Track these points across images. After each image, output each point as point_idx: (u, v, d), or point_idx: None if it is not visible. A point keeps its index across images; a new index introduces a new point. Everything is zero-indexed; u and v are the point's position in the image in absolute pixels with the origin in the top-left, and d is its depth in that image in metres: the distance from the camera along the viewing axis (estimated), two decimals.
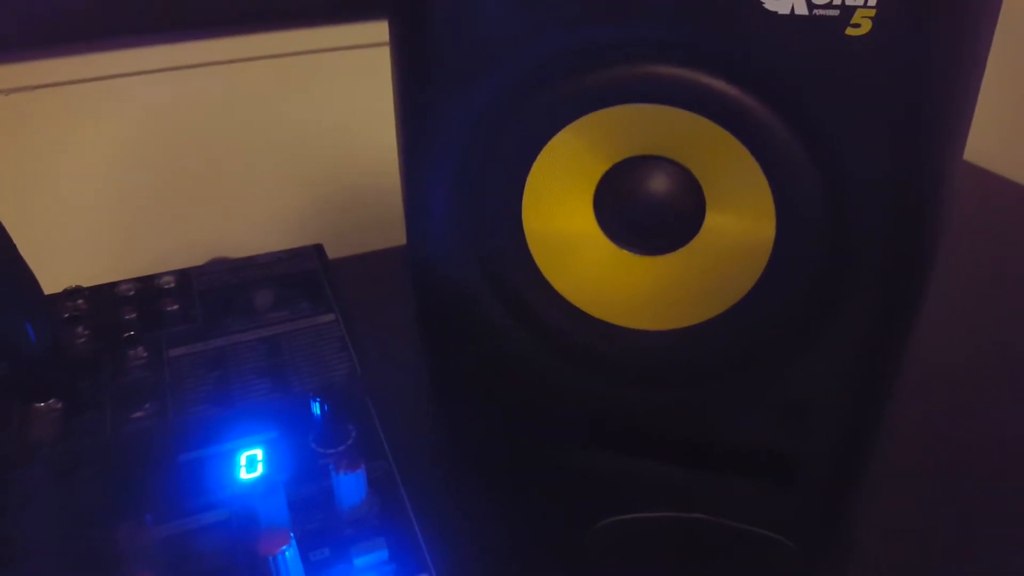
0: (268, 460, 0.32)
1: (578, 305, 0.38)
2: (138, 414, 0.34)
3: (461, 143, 0.37)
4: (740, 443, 0.39)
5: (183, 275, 0.42)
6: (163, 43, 0.60)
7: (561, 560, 0.38)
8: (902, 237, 0.33)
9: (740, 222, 0.34)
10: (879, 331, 0.36)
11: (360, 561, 0.28)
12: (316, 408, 0.33)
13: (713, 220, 0.35)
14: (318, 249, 0.45)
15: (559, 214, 0.37)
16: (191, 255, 0.60)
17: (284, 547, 0.26)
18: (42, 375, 0.34)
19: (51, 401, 0.34)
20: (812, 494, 0.41)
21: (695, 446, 0.40)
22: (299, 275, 0.43)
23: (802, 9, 0.28)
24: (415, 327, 0.42)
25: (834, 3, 0.28)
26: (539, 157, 0.36)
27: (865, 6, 0.28)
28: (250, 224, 0.67)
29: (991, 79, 0.34)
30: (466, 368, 0.42)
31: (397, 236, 0.44)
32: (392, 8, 0.36)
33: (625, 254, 0.37)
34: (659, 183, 0.36)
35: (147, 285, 0.41)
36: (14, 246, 0.33)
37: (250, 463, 0.32)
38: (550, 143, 0.36)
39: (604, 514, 0.39)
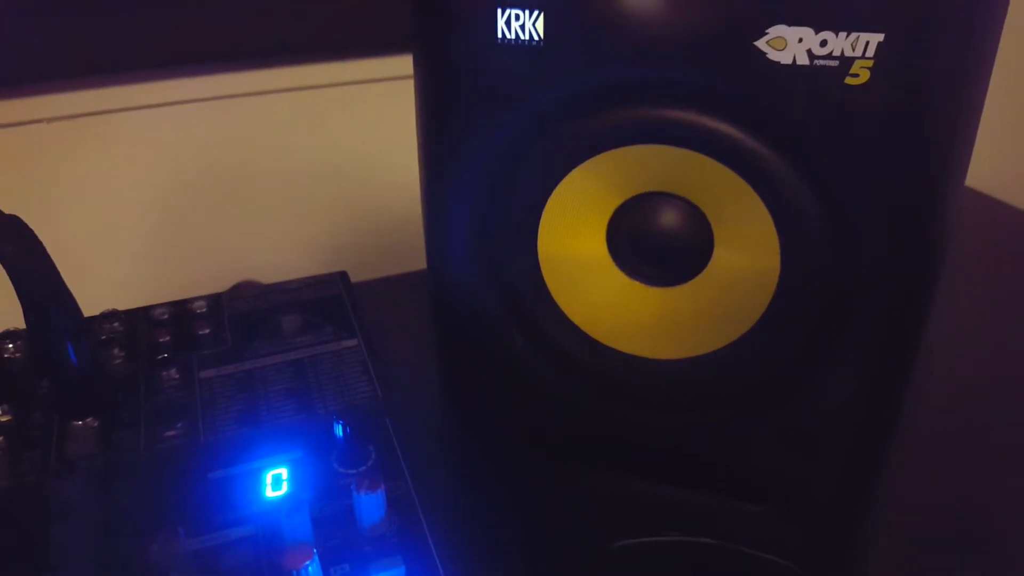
0: (293, 479, 0.34)
1: (590, 333, 0.40)
2: (170, 432, 0.36)
3: (481, 176, 0.38)
4: (747, 469, 0.41)
5: (214, 300, 0.44)
6: (196, 75, 0.62)
7: None
8: (904, 271, 0.35)
9: (746, 257, 0.35)
10: (883, 361, 0.37)
11: None
12: (339, 430, 0.35)
13: (720, 255, 0.36)
14: (343, 276, 0.47)
15: (573, 246, 0.38)
16: (220, 281, 0.62)
17: (307, 562, 0.28)
18: (81, 394, 0.36)
19: (88, 419, 0.36)
20: (818, 520, 0.42)
21: (704, 471, 0.41)
22: (324, 301, 0.45)
23: (803, 60, 0.30)
24: (433, 351, 0.44)
25: (833, 54, 0.29)
26: (555, 191, 0.38)
27: (863, 57, 0.29)
28: (277, 250, 0.69)
29: (991, 108, 0.35)
30: (482, 391, 0.44)
31: (417, 261, 0.46)
32: (417, 48, 0.38)
33: (636, 285, 0.38)
34: (669, 218, 0.37)
35: (180, 309, 0.43)
36: (57, 270, 0.35)
37: (275, 481, 0.34)
38: (566, 178, 0.37)
39: (615, 535, 0.41)
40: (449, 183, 0.39)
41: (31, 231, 0.33)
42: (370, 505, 0.31)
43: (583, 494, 0.43)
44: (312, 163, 0.68)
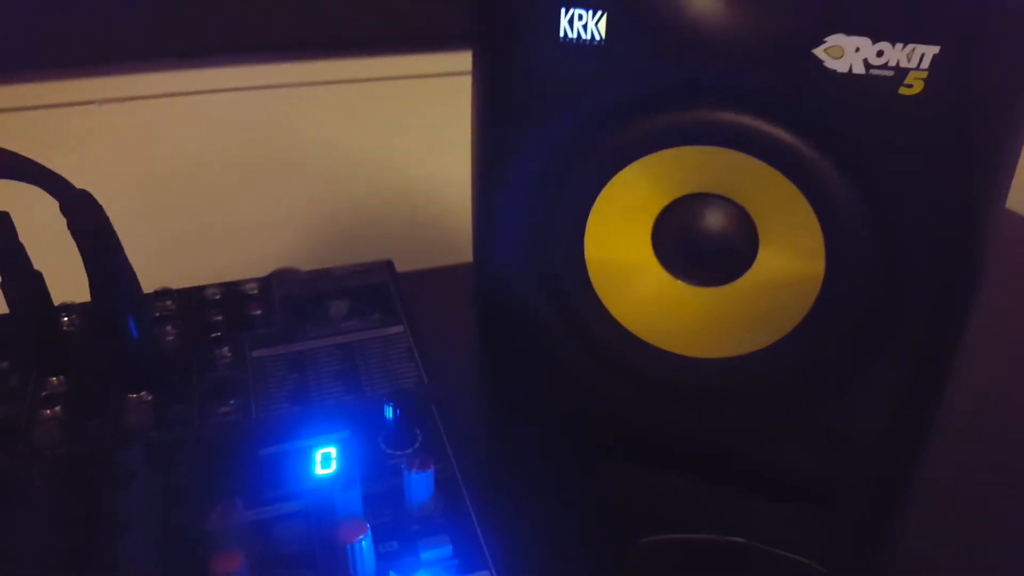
0: (342, 457, 0.35)
1: (634, 331, 0.40)
2: (224, 409, 0.37)
3: (532, 174, 0.39)
4: (780, 469, 0.41)
5: (265, 282, 0.45)
6: (248, 63, 0.63)
7: (603, 569, 0.40)
8: (946, 280, 0.35)
9: (791, 259, 0.36)
10: (920, 369, 0.38)
11: (426, 555, 0.31)
12: (389, 412, 0.36)
13: (765, 256, 0.37)
14: (388, 264, 0.48)
15: (619, 244, 0.39)
16: (262, 267, 0.63)
17: (361, 537, 0.29)
18: (139, 368, 0.38)
19: (144, 392, 0.37)
20: (849, 522, 0.43)
21: (738, 469, 0.42)
22: (371, 288, 0.46)
23: (859, 69, 0.31)
24: (477, 342, 0.45)
25: (889, 64, 0.30)
26: (604, 190, 0.39)
27: (918, 68, 0.30)
28: (323, 238, 0.71)
29: None
30: (524, 383, 0.45)
31: (457, 255, 0.47)
32: (478, 46, 0.39)
33: (680, 284, 0.39)
34: (715, 219, 0.38)
35: (231, 290, 0.45)
36: (121, 246, 0.37)
37: (325, 459, 0.35)
38: (615, 178, 0.38)
39: (646, 530, 0.41)
40: (501, 179, 0.40)
41: (100, 207, 0.35)
42: (420, 484, 0.32)
43: (618, 486, 0.44)
44: (356, 155, 0.69)
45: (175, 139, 0.66)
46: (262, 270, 0.53)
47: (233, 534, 0.30)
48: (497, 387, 0.46)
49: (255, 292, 0.44)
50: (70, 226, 0.34)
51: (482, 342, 0.45)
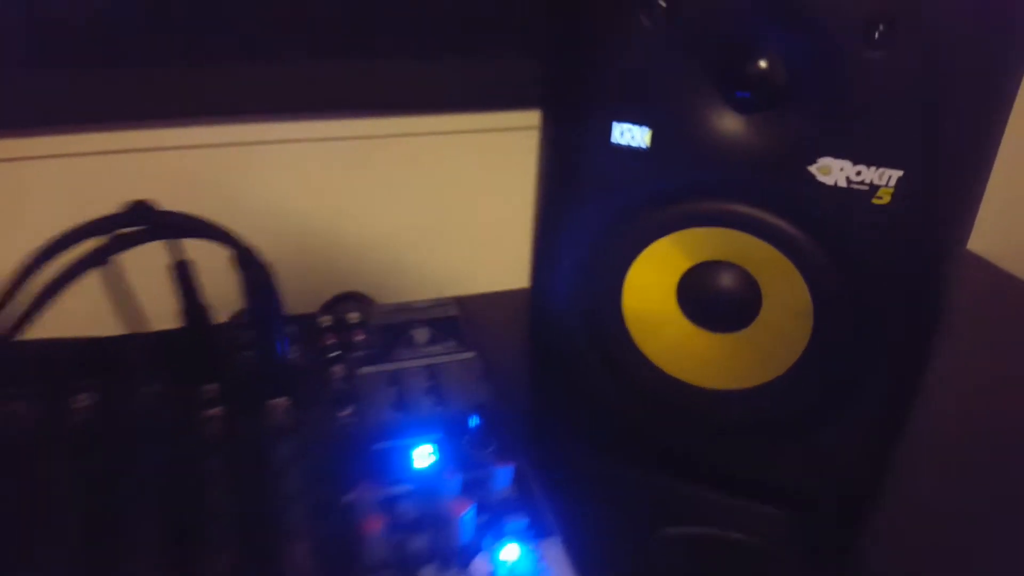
0: (439, 452, 0.46)
1: (662, 367, 0.51)
2: (344, 413, 0.48)
3: (584, 239, 0.50)
4: (773, 480, 0.53)
5: (365, 312, 0.56)
6: (336, 118, 0.75)
7: (628, 555, 0.51)
8: (910, 331, 0.46)
9: (787, 314, 0.47)
10: (891, 402, 0.49)
11: (509, 526, 0.42)
12: (473, 420, 0.47)
13: (767, 311, 0.48)
14: (458, 300, 0.59)
15: (651, 297, 0.50)
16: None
17: (468, 509, 0.40)
18: (280, 379, 0.49)
19: (283, 399, 0.48)
20: (826, 524, 0.54)
21: (738, 479, 0.53)
22: (444, 319, 0.57)
23: (843, 183, 0.42)
24: (529, 371, 0.56)
25: (864, 181, 0.42)
26: (640, 255, 0.50)
27: (886, 185, 0.41)
28: (401, 274, 0.82)
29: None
30: (564, 403, 0.56)
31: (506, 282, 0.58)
32: (544, 139, 0.50)
33: (700, 331, 0.50)
34: (727, 280, 0.49)
35: (338, 318, 0.56)
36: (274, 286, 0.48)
37: (425, 455, 0.46)
38: (650, 246, 0.49)
39: (661, 524, 0.52)
40: (559, 240, 0.52)
41: (262, 260, 0.46)
42: (503, 475, 0.43)
43: (639, 489, 0.55)
44: (426, 202, 0.80)
45: (267, 182, 0.77)
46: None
47: (370, 506, 0.41)
48: (544, 406, 0.57)
49: (356, 321, 0.55)
50: (242, 273, 0.45)
51: (533, 371, 0.56)
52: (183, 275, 0.47)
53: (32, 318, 0.40)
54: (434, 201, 0.81)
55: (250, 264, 0.45)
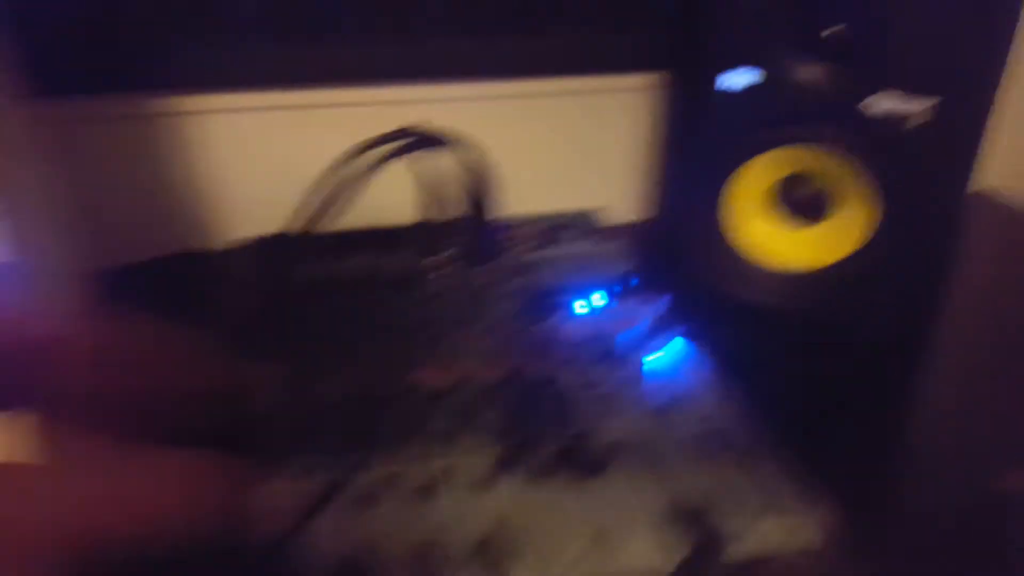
0: (607, 298, 0.66)
1: (756, 257, 0.71)
2: (531, 277, 0.69)
3: (702, 162, 0.71)
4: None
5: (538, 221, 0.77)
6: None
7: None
8: (936, 227, 0.66)
9: (852, 209, 0.67)
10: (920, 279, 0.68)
11: (665, 337, 0.62)
12: (633, 281, 0.67)
13: (837, 208, 0.68)
14: (592, 211, 0.79)
15: (748, 202, 0.70)
16: None
17: (635, 325, 0.61)
18: (488, 252, 0.70)
19: (488, 265, 0.69)
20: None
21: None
22: (589, 222, 0.78)
23: (886, 111, 0.62)
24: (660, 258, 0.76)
25: (905, 110, 0.61)
26: (740, 168, 0.70)
27: (924, 111, 0.61)
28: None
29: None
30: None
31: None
32: (677, 85, 0.70)
33: (786, 226, 0.70)
34: (806, 187, 0.69)
35: (519, 221, 0.76)
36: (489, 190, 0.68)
37: (598, 299, 0.66)
38: (749, 162, 0.69)
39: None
40: (680, 172, 0.72)
41: (485, 163, 0.66)
42: (660, 304, 0.63)
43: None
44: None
45: None
46: None
47: (562, 325, 0.62)
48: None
49: (534, 221, 0.76)
50: (471, 174, 0.66)
51: (658, 254, 0.77)
52: (426, 177, 0.68)
53: (333, 210, 0.61)
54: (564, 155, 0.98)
55: (477, 166, 0.66)
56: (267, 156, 0.85)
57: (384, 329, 0.61)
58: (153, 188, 0.85)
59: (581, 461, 0.48)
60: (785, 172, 0.68)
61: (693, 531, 0.44)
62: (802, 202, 0.69)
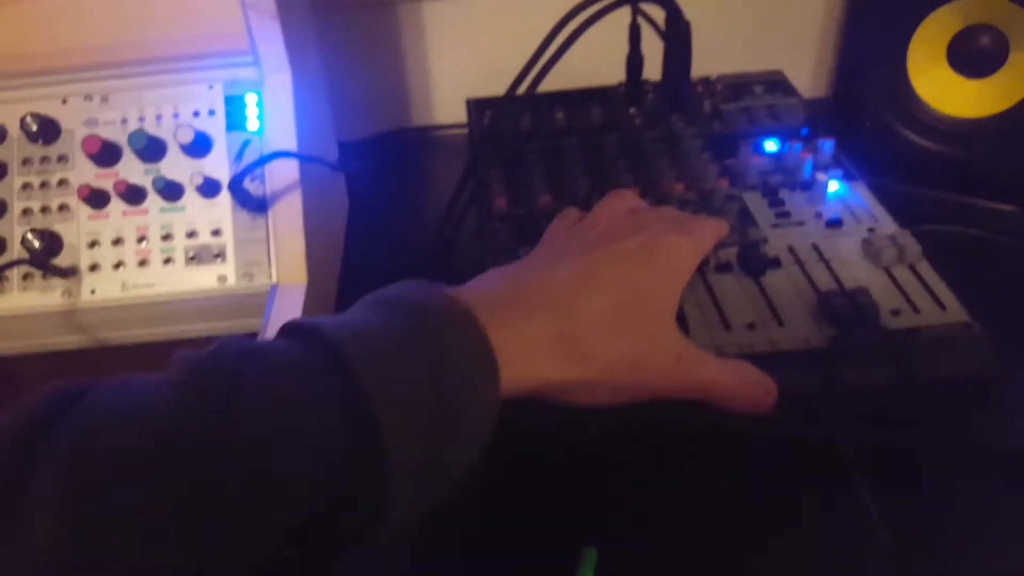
0: (778, 143, 0.75)
1: (934, 106, 0.77)
2: (714, 126, 0.78)
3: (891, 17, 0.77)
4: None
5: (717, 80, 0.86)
6: None
7: None
8: None
9: None
10: None
11: (832, 172, 0.70)
12: (804, 131, 0.75)
13: (1013, 58, 0.73)
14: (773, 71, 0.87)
15: (927, 55, 0.76)
16: None
17: (806, 160, 0.69)
18: (680, 103, 0.79)
19: (680, 114, 0.79)
20: None
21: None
22: (775, 80, 0.85)
23: None
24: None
25: None
26: (922, 23, 0.75)
27: None
28: None
29: None
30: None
31: None
32: None
33: (961, 78, 0.76)
34: (985, 39, 0.74)
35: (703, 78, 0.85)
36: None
37: (773, 147, 0.75)
38: (929, 16, 0.75)
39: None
40: (867, 21, 0.78)
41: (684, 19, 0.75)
42: (827, 145, 0.71)
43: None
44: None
45: None
46: None
47: (748, 171, 0.71)
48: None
49: (715, 79, 0.85)
50: (672, 29, 0.75)
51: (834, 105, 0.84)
52: (635, 34, 0.78)
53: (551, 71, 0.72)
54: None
55: (678, 22, 0.75)
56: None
57: (595, 165, 0.73)
58: (389, 67, 1.00)
59: (758, 258, 0.59)
60: (965, 23, 0.74)
61: (851, 307, 0.54)
62: (977, 53, 0.74)
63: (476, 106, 0.84)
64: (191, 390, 0.32)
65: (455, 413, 0.35)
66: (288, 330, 0.37)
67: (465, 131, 0.91)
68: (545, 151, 0.74)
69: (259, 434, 0.31)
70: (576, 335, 0.41)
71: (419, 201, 0.91)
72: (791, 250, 0.60)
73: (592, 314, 0.41)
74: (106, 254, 0.63)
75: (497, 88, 0.74)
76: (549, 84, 0.70)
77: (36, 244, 0.61)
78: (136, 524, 0.29)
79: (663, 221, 0.49)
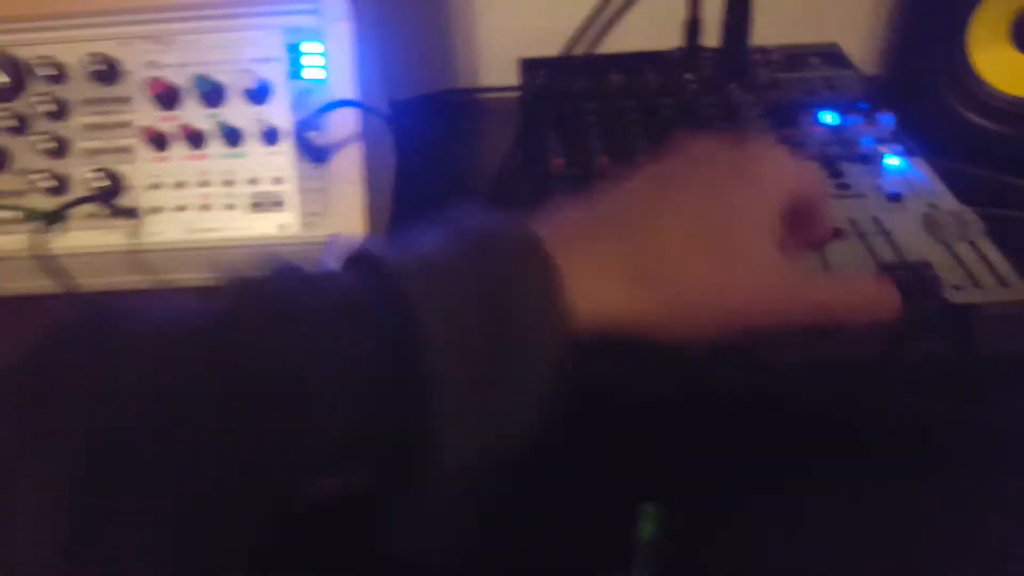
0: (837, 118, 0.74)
1: (996, 85, 0.77)
2: (771, 94, 0.78)
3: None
4: None
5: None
6: None
7: None
8: None
9: None
10: None
11: (893, 147, 0.70)
12: (864, 103, 0.75)
13: None
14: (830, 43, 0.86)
15: (987, 35, 0.75)
16: None
17: (866, 135, 0.69)
18: (739, 72, 0.79)
19: (736, 83, 0.78)
20: None
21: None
22: (830, 52, 0.85)
23: None
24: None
25: None
26: (979, 6, 0.75)
27: None
28: None
29: None
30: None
31: None
32: None
33: (1020, 54, 0.75)
34: None
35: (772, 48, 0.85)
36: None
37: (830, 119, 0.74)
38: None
39: None
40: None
41: None
42: (888, 119, 0.71)
43: None
44: None
45: None
46: None
47: (802, 135, 0.71)
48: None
49: (771, 48, 0.84)
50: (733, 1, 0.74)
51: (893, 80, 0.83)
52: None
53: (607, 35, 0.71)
54: None
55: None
56: None
57: (652, 128, 0.72)
58: (436, 26, 0.99)
59: None
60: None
61: (915, 279, 0.54)
62: None
63: (529, 65, 0.84)
64: (230, 315, 0.33)
65: (516, 343, 0.33)
66: (348, 260, 0.38)
67: (511, 94, 0.90)
68: (601, 112, 0.74)
69: (302, 351, 0.32)
70: (651, 257, 0.38)
71: (465, 164, 0.91)
72: (852, 222, 0.60)
73: (670, 232, 0.38)
74: (168, 197, 0.64)
75: (545, 51, 0.74)
76: (603, 47, 0.70)
77: (100, 183, 0.61)
78: (172, 438, 0.30)
79: (756, 141, 0.45)
